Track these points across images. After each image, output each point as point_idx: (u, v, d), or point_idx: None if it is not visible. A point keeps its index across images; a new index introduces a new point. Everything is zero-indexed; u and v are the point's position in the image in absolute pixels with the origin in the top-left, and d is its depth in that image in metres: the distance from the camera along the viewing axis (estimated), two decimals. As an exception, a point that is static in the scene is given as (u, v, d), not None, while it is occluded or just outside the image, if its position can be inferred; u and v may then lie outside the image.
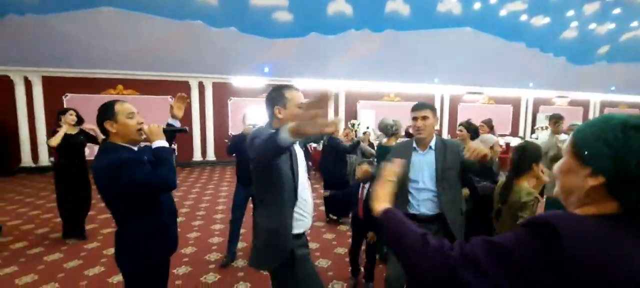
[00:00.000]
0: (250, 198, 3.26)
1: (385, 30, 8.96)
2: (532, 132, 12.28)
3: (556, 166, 0.73)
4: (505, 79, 11.07)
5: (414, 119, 1.97)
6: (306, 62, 8.99)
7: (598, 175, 0.62)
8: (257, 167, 1.50)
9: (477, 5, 8.82)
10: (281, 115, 1.50)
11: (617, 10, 9.67)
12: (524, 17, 9.33)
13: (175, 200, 1.82)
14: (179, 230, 1.87)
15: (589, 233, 0.58)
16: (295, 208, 1.53)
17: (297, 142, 1.59)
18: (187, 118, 8.89)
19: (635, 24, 10.26)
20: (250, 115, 3.48)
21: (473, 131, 3.37)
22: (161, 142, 1.53)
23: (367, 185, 2.69)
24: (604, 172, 0.62)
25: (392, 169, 1.09)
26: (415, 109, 2.00)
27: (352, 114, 10.44)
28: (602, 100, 13.01)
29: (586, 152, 0.65)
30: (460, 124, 3.44)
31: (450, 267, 0.64)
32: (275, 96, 1.53)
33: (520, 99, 12.17)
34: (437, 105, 11.36)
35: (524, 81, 11.43)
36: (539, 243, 0.58)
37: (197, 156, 9.23)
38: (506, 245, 0.62)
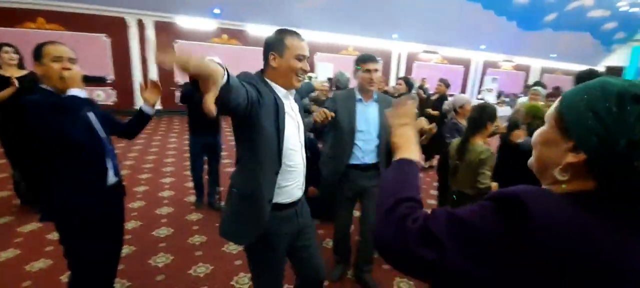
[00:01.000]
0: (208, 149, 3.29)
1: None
2: (479, 93, 12.98)
3: (535, 134, 0.65)
4: (460, 39, 11.30)
5: (368, 70, 1.97)
6: (261, 6, 8.34)
7: (580, 151, 0.55)
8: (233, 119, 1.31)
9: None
10: (275, 64, 1.31)
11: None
12: (483, -23, 9.32)
13: (116, 152, 1.70)
14: (124, 183, 1.77)
15: (563, 216, 0.51)
16: (279, 176, 1.34)
17: (292, 98, 1.41)
18: (124, 61, 8.02)
19: (580, -7, 10.76)
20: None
21: (410, 86, 3.89)
22: (75, 91, 1.40)
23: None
24: (587, 149, 0.54)
25: (407, 111, 0.87)
26: (369, 60, 1.99)
27: (309, 66, 10.13)
28: (542, 66, 13.93)
29: (571, 124, 0.57)
30: (399, 78, 3.95)
31: (406, 246, 0.57)
32: (273, 40, 1.32)
33: (470, 60, 12.61)
34: (394, 62, 11.42)
35: (476, 43, 11.77)
36: (506, 222, 0.52)
37: (139, 105, 8.50)
38: (471, 221, 0.55)
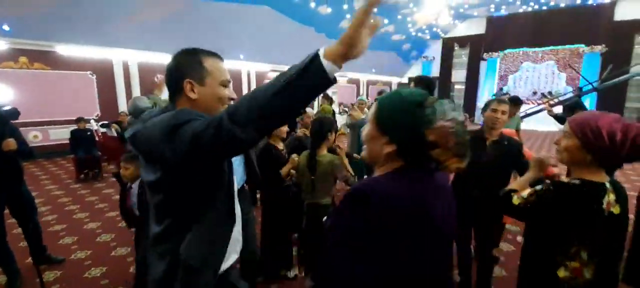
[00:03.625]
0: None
1: (182, -5, 8.12)
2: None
3: (363, 133, 0.83)
4: (302, 58, 12.41)
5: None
6: (74, 23, 6.99)
7: (392, 143, 0.75)
8: (182, 171, 0.94)
9: (273, -15, 9.29)
10: (195, 95, 1.01)
11: (375, 8, 12.52)
12: (312, 5, 10.60)
13: None
14: None
15: (388, 189, 0.72)
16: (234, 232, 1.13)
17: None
18: None
19: (386, 21, 13.65)
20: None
21: None
22: None
23: None
24: (396, 141, 0.75)
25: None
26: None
27: (150, 89, 9.09)
28: (368, 79, 16.91)
29: (385, 124, 0.77)
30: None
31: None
32: (186, 65, 1.01)
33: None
34: (245, 82, 11.56)
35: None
36: (358, 209, 0.70)
37: None
38: (339, 225, 0.75)
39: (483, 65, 16.23)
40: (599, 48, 13.59)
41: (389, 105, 0.79)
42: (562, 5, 13.81)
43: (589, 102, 13.43)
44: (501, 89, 15.71)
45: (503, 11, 14.94)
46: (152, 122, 0.92)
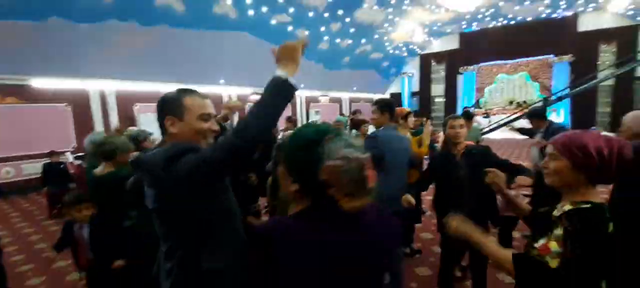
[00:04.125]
0: None
1: (159, 25, 8.19)
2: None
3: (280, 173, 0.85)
4: (283, 80, 12.61)
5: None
6: (46, 55, 6.94)
7: (295, 182, 0.76)
8: (196, 193, 1.05)
9: (250, 12, 9.48)
10: (175, 129, 1.16)
11: (352, 30, 12.88)
12: (290, 28, 10.86)
13: None
14: None
15: (290, 229, 0.73)
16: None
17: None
18: None
19: (364, 41, 14.04)
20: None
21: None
22: None
23: None
24: (297, 181, 0.76)
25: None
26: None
27: (128, 119, 8.99)
28: (350, 97, 17.17)
29: (288, 163, 0.78)
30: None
31: None
32: (168, 103, 1.17)
33: (295, 97, 14.27)
34: (226, 105, 11.59)
35: (297, 83, 13.41)
36: (262, 250, 0.72)
37: None
38: (250, 264, 0.76)
39: (460, 78, 16.76)
40: (567, 57, 14.27)
41: (291, 144, 0.80)
42: (529, 18, 14.53)
43: (563, 111, 14.01)
44: (477, 102, 16.23)
45: (474, 27, 15.59)
46: (154, 152, 1.15)
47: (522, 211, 1.43)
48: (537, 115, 3.70)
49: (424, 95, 17.75)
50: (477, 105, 16.26)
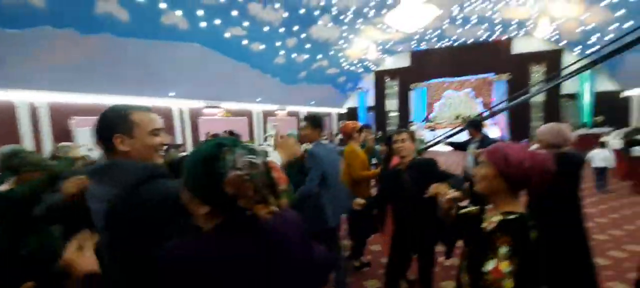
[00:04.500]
0: None
1: (101, 34, 7.70)
2: (265, 139, 14.52)
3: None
4: (238, 94, 12.41)
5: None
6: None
7: (205, 204, 0.72)
8: None
9: (203, 24, 9.28)
10: (126, 147, 1.08)
11: (308, 45, 13.10)
12: (245, 42, 10.76)
13: None
14: None
15: (188, 252, 0.69)
16: None
17: None
18: None
19: (320, 56, 14.32)
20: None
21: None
22: None
23: None
24: (199, 198, 0.72)
25: None
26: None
27: (63, 134, 8.24)
28: (307, 111, 17.30)
29: (192, 186, 0.74)
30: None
31: None
32: (114, 120, 1.09)
33: (252, 111, 14.08)
34: (177, 119, 11.09)
35: (253, 96, 13.29)
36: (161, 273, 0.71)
37: None
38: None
39: (412, 94, 17.67)
40: (505, 76, 15.70)
41: (189, 165, 0.76)
42: (471, 40, 15.85)
43: (503, 125, 15.28)
44: (428, 117, 17.18)
45: (423, 46, 16.65)
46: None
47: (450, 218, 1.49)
48: (473, 125, 4.03)
49: (379, 110, 18.42)
50: (427, 119, 17.20)
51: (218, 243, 0.72)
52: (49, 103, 8.11)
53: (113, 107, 1.14)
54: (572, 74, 7.53)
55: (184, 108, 11.21)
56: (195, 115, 11.63)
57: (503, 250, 1.05)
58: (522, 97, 8.53)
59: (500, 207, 1.16)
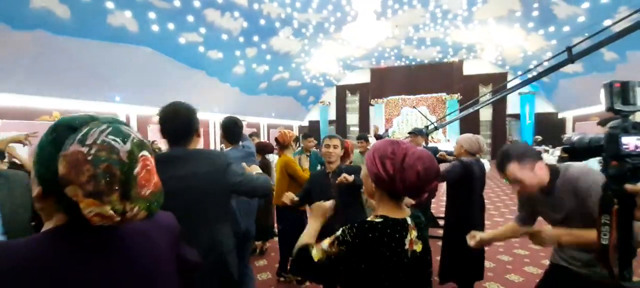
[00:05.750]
0: None
1: (35, 30, 7.06)
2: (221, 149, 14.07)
3: None
4: (194, 102, 11.86)
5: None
6: None
7: (37, 185, 0.57)
8: None
9: (155, 27, 8.87)
10: None
11: (269, 56, 13.00)
12: (201, 49, 10.44)
13: None
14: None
15: (15, 256, 0.52)
16: None
17: None
18: None
19: (281, 68, 14.28)
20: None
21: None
22: None
23: None
24: (39, 180, 0.57)
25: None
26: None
27: (-16, 138, 7.35)
28: (268, 123, 17.11)
29: (34, 163, 0.58)
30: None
31: None
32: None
33: (208, 121, 13.62)
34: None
35: (211, 105, 12.86)
36: None
37: None
38: None
39: (372, 109, 18.16)
40: (456, 96, 16.65)
41: (42, 137, 0.60)
42: (426, 61, 16.75)
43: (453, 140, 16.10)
44: (386, 131, 17.68)
45: (382, 64, 17.27)
46: None
47: None
48: (414, 133, 4.23)
49: (340, 123, 18.66)
50: (386, 133, 17.70)
51: (46, 251, 0.55)
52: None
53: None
54: (492, 99, 8.10)
55: (131, 114, 10.55)
56: (144, 122, 10.98)
57: (338, 232, 0.97)
58: (463, 112, 9.13)
59: (378, 211, 1.00)
